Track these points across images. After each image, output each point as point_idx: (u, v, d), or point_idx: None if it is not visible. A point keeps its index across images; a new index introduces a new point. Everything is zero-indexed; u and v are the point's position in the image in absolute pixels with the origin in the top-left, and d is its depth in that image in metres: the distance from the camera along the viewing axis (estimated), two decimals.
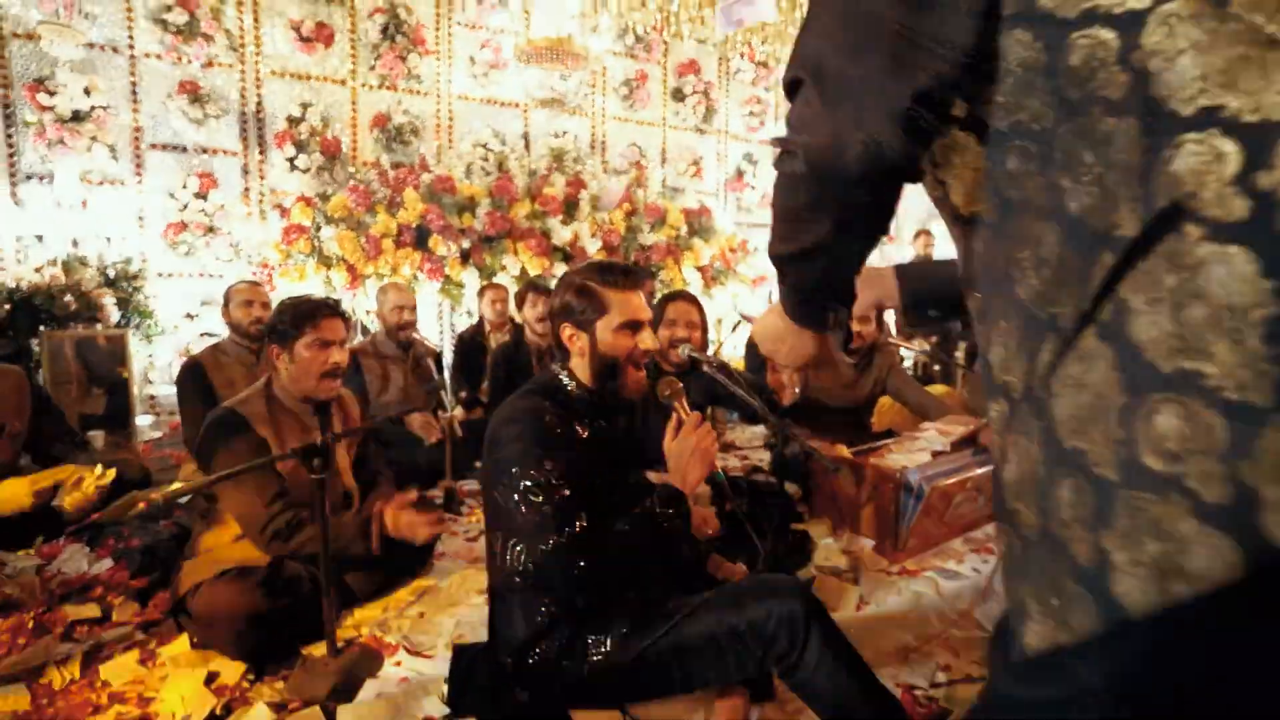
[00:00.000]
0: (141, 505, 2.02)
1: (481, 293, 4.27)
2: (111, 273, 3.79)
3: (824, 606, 1.25)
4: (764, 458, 3.31)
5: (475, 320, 4.25)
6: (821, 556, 2.09)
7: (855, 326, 2.87)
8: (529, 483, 1.24)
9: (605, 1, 4.94)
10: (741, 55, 6.39)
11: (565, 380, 1.40)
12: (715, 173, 6.51)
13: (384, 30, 4.90)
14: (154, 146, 4.43)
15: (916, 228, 7.17)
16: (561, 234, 4.94)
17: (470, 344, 4.09)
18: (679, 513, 1.32)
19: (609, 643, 1.30)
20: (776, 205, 0.71)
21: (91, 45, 4.20)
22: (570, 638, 1.32)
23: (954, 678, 1.79)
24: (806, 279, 0.75)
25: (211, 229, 4.48)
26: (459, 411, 3.09)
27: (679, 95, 6.23)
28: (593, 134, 5.84)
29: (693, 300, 2.38)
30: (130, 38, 4.31)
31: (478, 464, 3.29)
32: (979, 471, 2.30)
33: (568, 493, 1.25)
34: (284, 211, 4.46)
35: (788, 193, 0.68)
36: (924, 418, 2.85)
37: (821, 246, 0.69)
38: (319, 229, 4.34)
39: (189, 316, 4.49)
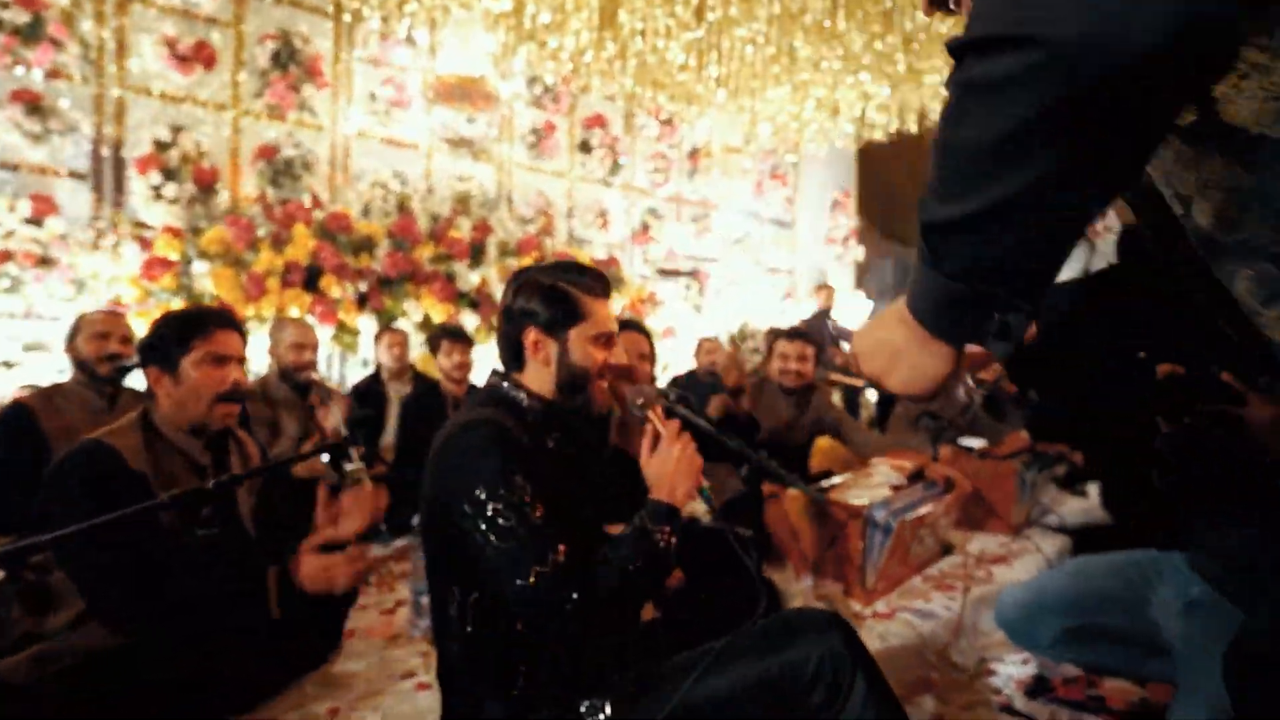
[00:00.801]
0: None
1: (379, 337, 3.87)
2: None
3: (858, 635, 1.07)
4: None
5: (372, 370, 3.84)
6: (795, 601, 1.92)
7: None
8: (498, 504, 1.02)
9: (516, 48, 4.89)
10: (647, 112, 6.54)
11: (512, 392, 1.20)
12: (621, 225, 6.51)
13: (275, 57, 4.53)
14: None
15: (817, 280, 7.52)
16: (469, 279, 4.66)
17: (367, 395, 3.66)
18: (674, 530, 1.10)
19: (609, 708, 1.06)
20: (952, 141, 0.50)
21: None
22: (556, 710, 1.06)
23: None
24: (982, 257, 0.52)
25: (45, 260, 3.79)
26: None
27: (585, 147, 6.23)
28: (499, 181, 5.67)
29: (642, 329, 2.22)
30: None
31: (383, 527, 2.88)
32: (934, 505, 2.25)
33: (542, 513, 1.04)
34: (145, 244, 3.88)
35: (982, 115, 0.47)
36: (864, 457, 2.82)
37: (1029, 197, 0.47)
38: (189, 264, 3.80)
39: (7, 365, 3.73)
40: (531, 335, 1.18)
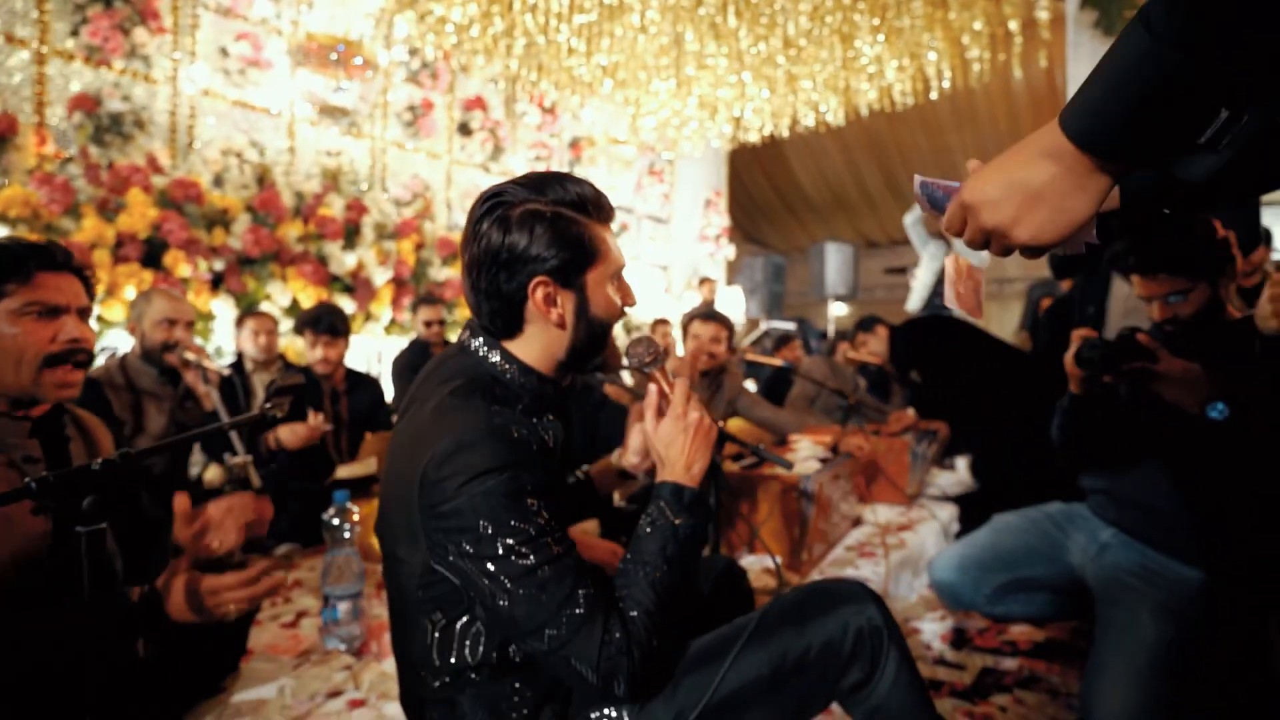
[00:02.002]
0: None
1: (241, 322, 3.39)
2: None
3: (891, 611, 1.05)
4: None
5: (232, 359, 3.35)
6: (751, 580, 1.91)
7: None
8: (511, 540, 0.81)
9: (396, 14, 4.52)
10: (530, 98, 6.34)
11: (500, 364, 0.93)
12: None
13: None
14: None
15: (691, 277, 7.70)
16: (343, 261, 4.24)
17: (228, 388, 3.19)
18: (700, 520, 0.94)
19: (624, 714, 0.92)
20: None
21: None
22: (562, 716, 0.93)
23: None
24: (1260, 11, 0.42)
25: None
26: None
27: (465, 130, 5.92)
28: (372, 158, 5.22)
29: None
30: None
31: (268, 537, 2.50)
32: (843, 469, 2.34)
33: (562, 538, 0.85)
34: None
35: None
36: (778, 435, 2.89)
37: None
38: None
39: None
40: (541, 290, 0.90)
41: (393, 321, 4.70)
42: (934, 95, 5.48)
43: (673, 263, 8.15)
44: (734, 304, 7.35)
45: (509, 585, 0.81)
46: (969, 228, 0.62)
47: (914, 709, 0.98)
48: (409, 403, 0.97)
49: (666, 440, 0.96)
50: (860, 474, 2.78)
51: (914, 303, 4.99)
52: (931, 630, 2.03)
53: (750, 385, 6.07)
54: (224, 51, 4.33)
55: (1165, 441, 1.51)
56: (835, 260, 7.73)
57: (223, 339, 3.74)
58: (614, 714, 0.92)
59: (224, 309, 3.70)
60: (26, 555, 1.08)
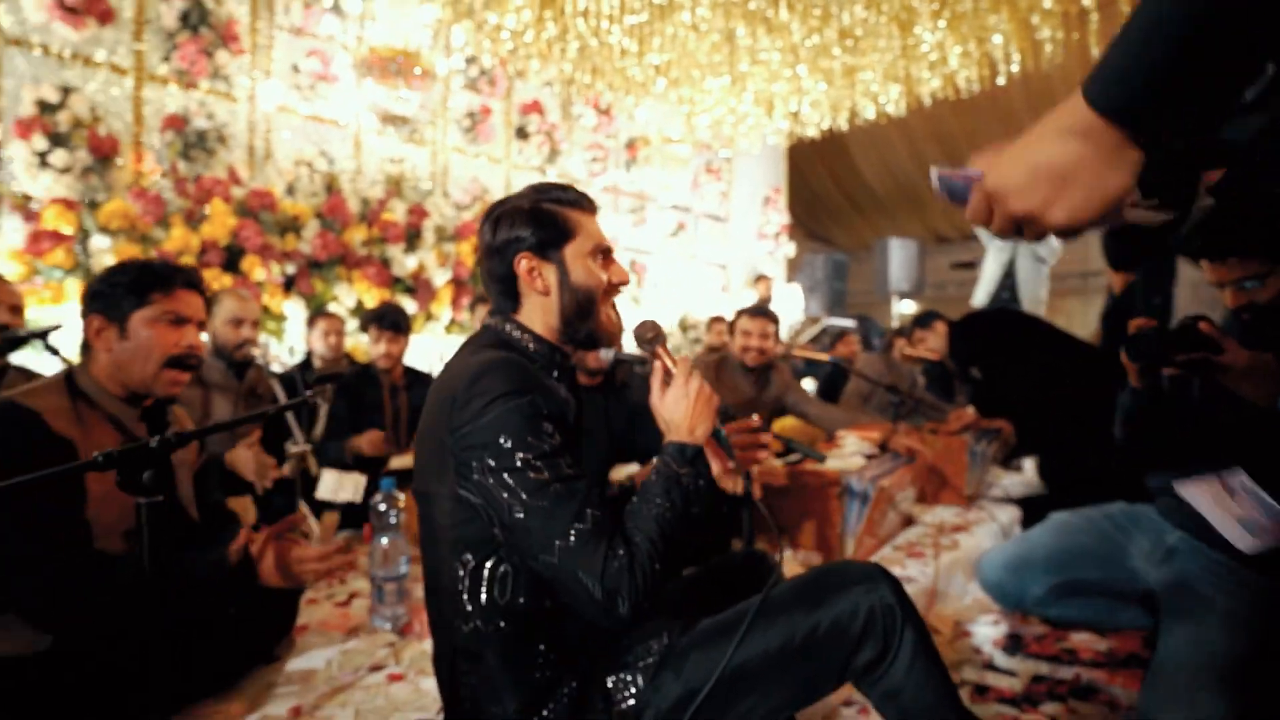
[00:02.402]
0: None
1: (312, 322, 3.59)
2: None
3: (907, 593, 1.02)
4: None
5: (302, 358, 3.55)
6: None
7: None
8: (528, 454, 0.89)
9: (453, 24, 4.68)
10: (585, 100, 6.43)
11: (515, 333, 1.07)
12: None
13: (184, 18, 4.13)
14: None
15: (750, 275, 7.63)
16: (404, 263, 4.42)
17: (294, 384, 3.38)
18: (702, 473, 0.99)
19: (639, 680, 0.96)
20: None
21: None
22: (582, 685, 0.96)
23: None
24: None
25: None
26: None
27: (523, 134, 6.06)
28: (433, 165, 5.42)
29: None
30: None
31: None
32: (902, 473, 2.27)
33: (574, 463, 0.93)
34: (32, 216, 3.45)
35: None
36: (828, 432, 2.83)
37: None
38: (85, 239, 3.40)
39: None
40: (524, 262, 1.05)
41: (452, 321, 4.86)
42: (1002, 80, 5.22)
43: (731, 261, 8.09)
44: (791, 301, 7.23)
45: (524, 497, 0.88)
46: (997, 217, 0.58)
47: (932, 693, 0.96)
48: (442, 371, 1.07)
49: (671, 406, 1.04)
50: (915, 473, 2.69)
51: (980, 297, 4.77)
52: (984, 634, 1.94)
53: (809, 383, 5.96)
54: (295, 68, 4.59)
55: (1236, 438, 1.40)
56: (899, 256, 7.49)
57: (294, 338, 3.97)
58: (630, 677, 0.96)
59: (295, 310, 3.93)
60: (126, 524, 1.21)
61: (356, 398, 3.00)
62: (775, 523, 2.03)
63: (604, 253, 1.09)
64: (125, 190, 3.72)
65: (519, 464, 0.89)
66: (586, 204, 1.10)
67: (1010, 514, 2.77)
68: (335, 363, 3.50)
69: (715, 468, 1.10)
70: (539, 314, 1.07)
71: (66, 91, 3.79)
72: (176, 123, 4.07)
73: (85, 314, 1.27)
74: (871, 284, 7.94)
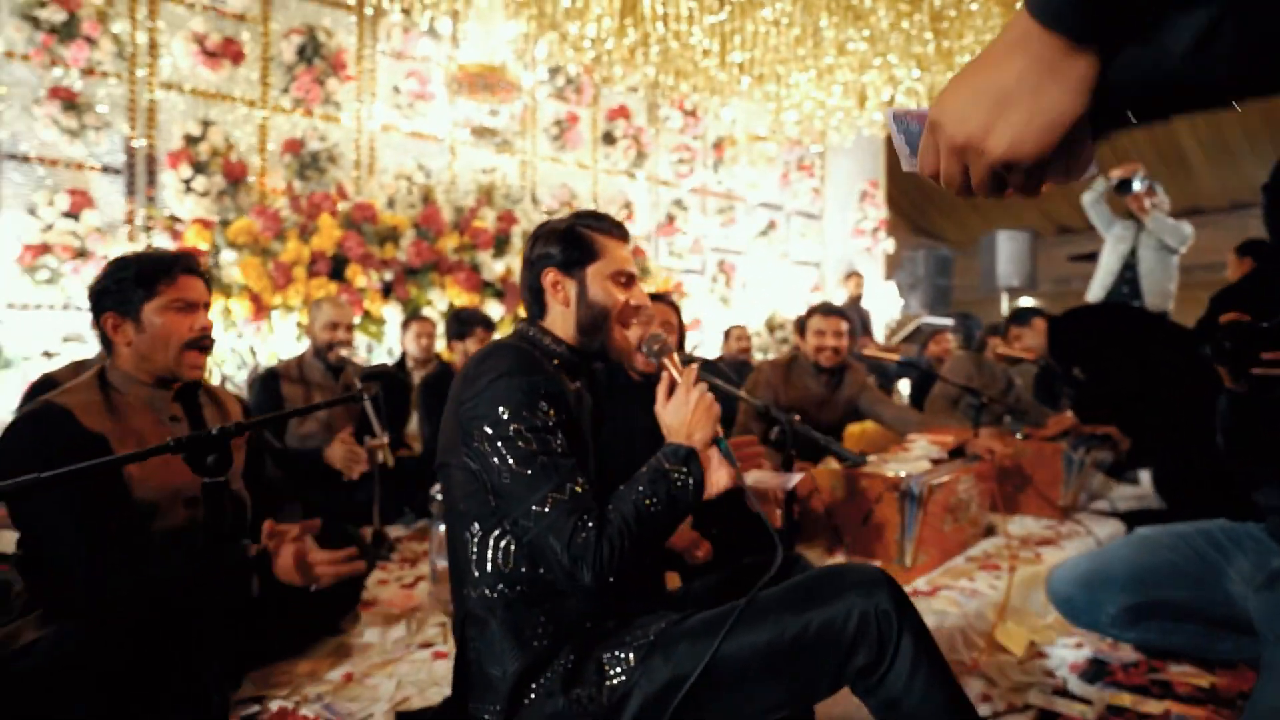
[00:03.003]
0: None
1: (406, 325, 3.87)
2: None
3: (911, 603, 0.98)
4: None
5: (397, 359, 3.83)
6: None
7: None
8: (520, 425, 0.99)
9: (538, 37, 4.86)
10: (671, 102, 6.47)
11: (537, 336, 1.17)
12: (646, 217, 6.45)
13: (300, 52, 4.57)
14: (13, 157, 3.83)
15: (845, 270, 7.37)
16: (493, 268, 4.65)
17: (393, 383, 3.65)
18: (693, 473, 1.03)
19: (630, 658, 0.99)
20: None
21: None
22: (578, 658, 1.00)
23: (999, 709, 1.54)
24: None
25: (83, 253, 3.87)
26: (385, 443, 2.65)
27: (609, 139, 6.19)
28: (523, 173, 5.65)
29: (669, 302, 2.15)
30: None
31: (408, 509, 2.85)
32: (967, 478, 2.13)
33: (563, 444, 1.01)
34: (176, 235, 3.94)
35: None
36: (902, 435, 2.70)
37: None
38: (217, 253, 3.84)
39: (47, 355, 3.80)
40: (550, 276, 1.17)
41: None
42: None
43: (825, 259, 7.85)
44: (884, 300, 6.91)
45: (512, 464, 0.97)
46: (941, 157, 0.50)
47: (936, 706, 0.91)
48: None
49: (672, 412, 1.10)
50: (1000, 480, 2.50)
51: (1095, 291, 4.34)
52: (1061, 657, 1.79)
53: (902, 385, 5.68)
54: (396, 89, 4.95)
55: None
56: (1008, 249, 6.97)
57: (392, 341, 4.28)
58: (623, 655, 0.99)
59: (393, 314, 4.23)
60: (187, 493, 1.36)
61: (441, 391, 3.21)
62: (829, 525, 1.96)
63: (626, 277, 1.18)
64: (250, 209, 4.16)
65: (511, 433, 0.98)
66: (619, 232, 1.20)
67: (1112, 529, 2.52)
68: (425, 363, 3.75)
69: (724, 478, 1.10)
70: (560, 321, 1.17)
71: (206, 125, 4.30)
72: (294, 146, 4.51)
73: (98, 313, 1.34)
74: (979, 280, 7.43)
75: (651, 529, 0.98)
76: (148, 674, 1.13)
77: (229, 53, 4.36)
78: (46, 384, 2.08)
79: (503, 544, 1.02)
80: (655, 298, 2.18)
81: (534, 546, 0.97)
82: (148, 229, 4.08)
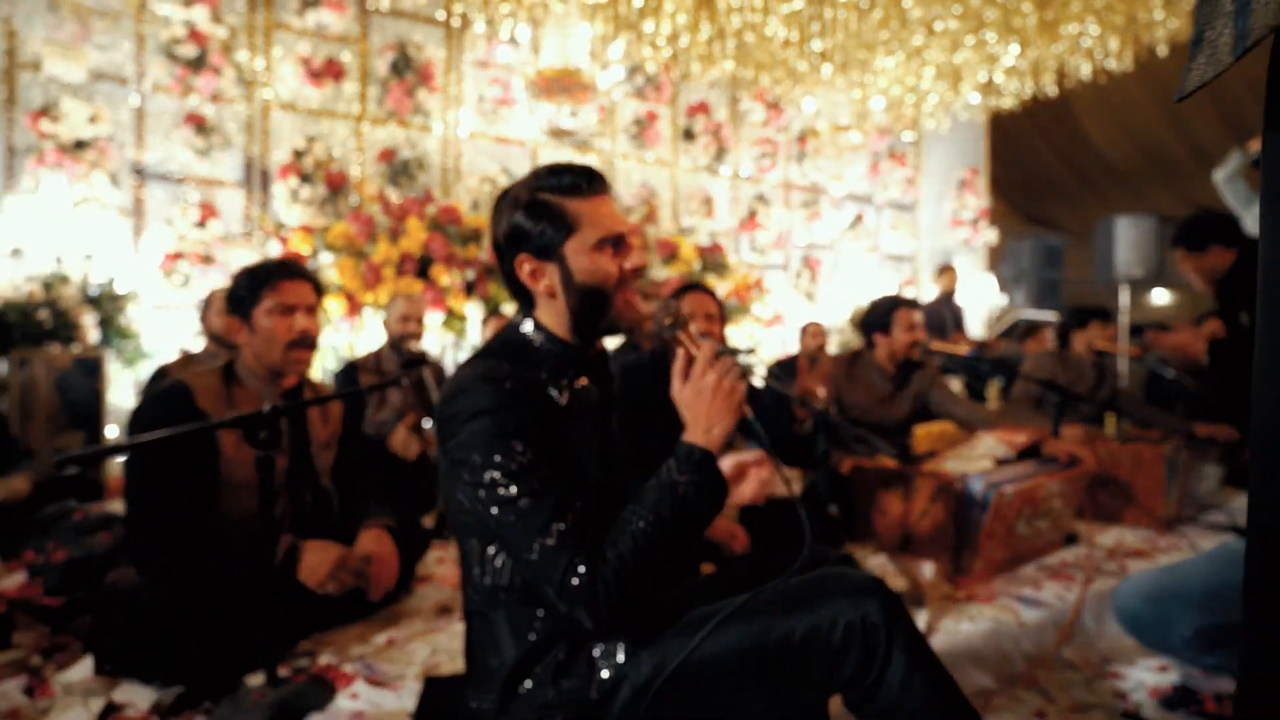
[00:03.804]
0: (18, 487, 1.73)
1: (486, 322, 4.08)
2: (94, 290, 3.59)
3: (907, 609, 0.93)
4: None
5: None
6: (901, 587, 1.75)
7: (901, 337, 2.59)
8: (495, 473, 0.91)
9: (613, 37, 4.94)
10: (751, 96, 6.38)
11: (530, 333, 1.03)
12: (727, 213, 6.40)
13: (393, 66, 4.89)
14: (156, 177, 4.35)
15: (940, 263, 6.98)
16: None
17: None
18: (707, 480, 0.93)
19: (620, 654, 0.98)
20: None
21: (100, 76, 4.18)
22: (570, 652, 1.00)
23: None
24: None
25: (208, 259, 4.33)
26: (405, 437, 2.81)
27: (689, 135, 6.19)
28: (602, 172, 5.76)
29: (709, 292, 2.13)
30: (140, 69, 4.30)
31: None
32: (1045, 480, 1.97)
33: (547, 477, 0.93)
34: (283, 241, 4.33)
35: None
36: (973, 432, 2.54)
37: None
38: (316, 256, 4.19)
39: (182, 350, 4.29)
40: (525, 265, 1.00)
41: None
42: None
43: (919, 252, 7.48)
44: (982, 293, 6.48)
45: (495, 511, 0.92)
46: None
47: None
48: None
49: (689, 399, 0.97)
50: (1090, 485, 2.30)
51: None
52: (1139, 679, 1.64)
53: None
54: (481, 97, 5.19)
55: None
56: (1129, 236, 6.32)
57: (474, 336, 4.49)
58: (612, 649, 0.98)
59: (474, 312, 4.45)
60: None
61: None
62: (882, 524, 1.88)
63: (615, 240, 1.01)
64: (348, 215, 4.50)
65: (487, 480, 0.91)
66: (590, 187, 1.00)
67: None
68: None
69: (750, 489, 1.05)
70: (551, 314, 1.03)
71: (311, 140, 4.69)
72: (387, 155, 4.83)
73: (230, 315, 1.57)
74: (1095, 271, 6.80)
75: (659, 553, 0.90)
76: (213, 624, 1.27)
77: (331, 72, 4.74)
78: (160, 374, 2.36)
79: (500, 556, 1.00)
80: (690, 287, 2.14)
81: (532, 589, 0.93)
82: (261, 236, 4.51)
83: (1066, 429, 2.44)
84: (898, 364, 2.67)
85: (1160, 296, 6.47)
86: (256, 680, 1.20)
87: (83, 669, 1.27)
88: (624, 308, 1.03)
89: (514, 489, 0.91)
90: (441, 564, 2.09)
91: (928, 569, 1.85)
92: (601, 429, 1.08)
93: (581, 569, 0.87)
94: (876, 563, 1.86)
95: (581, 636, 1.01)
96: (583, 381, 1.06)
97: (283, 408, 1.26)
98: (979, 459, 1.96)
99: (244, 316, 1.53)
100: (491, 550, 1.01)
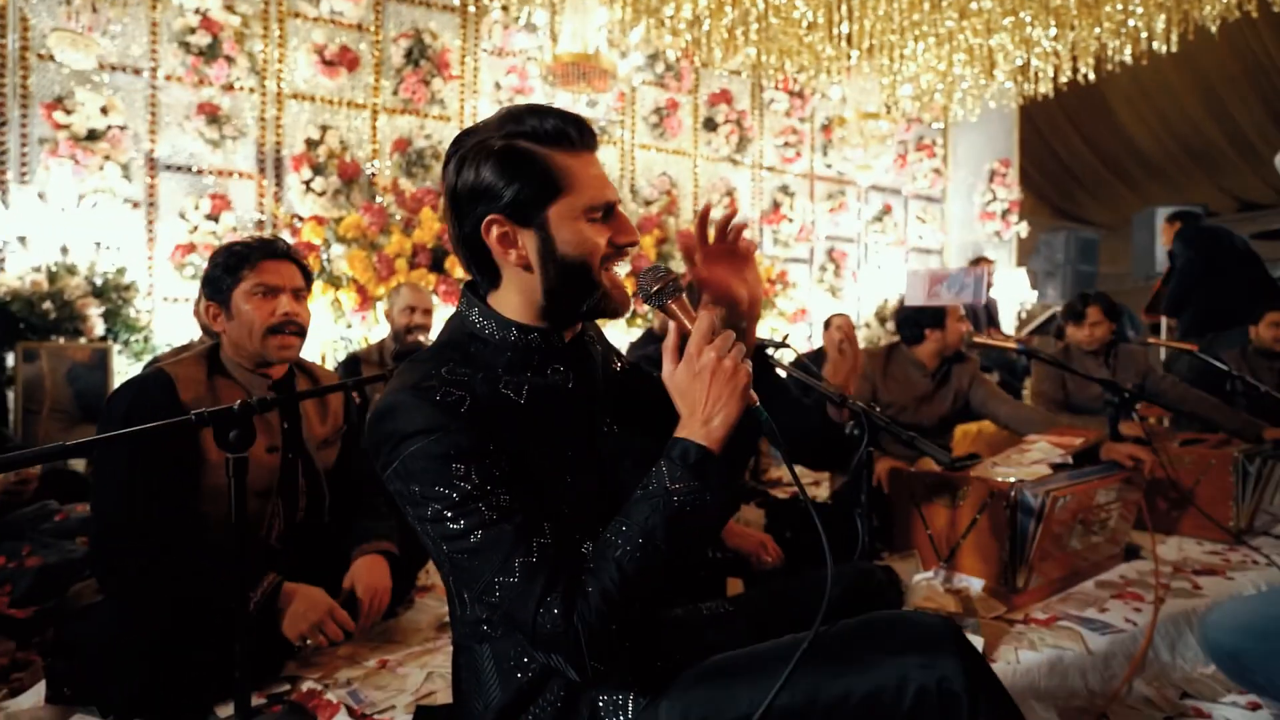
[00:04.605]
0: None
1: None
2: (99, 281, 3.51)
3: (988, 664, 0.76)
4: (822, 493, 2.81)
5: None
6: (920, 597, 1.58)
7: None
8: (438, 505, 0.75)
9: (633, 22, 4.77)
10: (776, 86, 6.18)
11: (479, 323, 0.86)
12: (750, 205, 6.21)
13: (408, 54, 4.78)
14: (169, 168, 4.28)
15: (971, 256, 6.74)
16: None
17: None
18: (708, 486, 0.75)
19: (630, 705, 0.81)
20: None
21: (114, 68, 4.12)
22: (568, 698, 0.84)
23: None
24: None
25: None
26: None
27: (711, 125, 6.01)
28: (621, 162, 5.61)
29: None
30: (154, 59, 4.23)
31: None
32: (1104, 487, 1.79)
33: (505, 499, 0.76)
34: (295, 232, 4.23)
35: None
36: (1019, 434, 2.36)
37: None
38: (328, 247, 4.09)
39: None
40: (494, 230, 0.81)
41: (634, 313, 4.98)
42: None
43: (947, 245, 7.23)
44: (1016, 288, 6.24)
45: (445, 548, 0.77)
46: None
47: None
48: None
49: (682, 387, 0.79)
50: (1133, 491, 2.11)
51: None
52: (1224, 717, 1.45)
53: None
54: (497, 85, 5.06)
55: None
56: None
57: None
58: (620, 700, 0.82)
59: None
60: (260, 484, 1.38)
61: None
62: (924, 535, 1.72)
63: (604, 209, 0.84)
64: (361, 206, 4.40)
65: (430, 514, 0.76)
66: (579, 139, 0.83)
67: None
68: None
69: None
70: (517, 292, 0.85)
71: (324, 129, 4.60)
72: (402, 145, 4.72)
73: (203, 301, 1.41)
74: (1132, 265, 6.51)
75: (653, 582, 0.74)
76: (180, 650, 1.14)
77: (345, 60, 4.63)
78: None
79: (464, 599, 0.86)
80: None
81: (511, 630, 0.78)
82: (274, 227, 4.42)
83: (1126, 429, 2.24)
84: (940, 359, 2.49)
85: None
86: (226, 712, 1.07)
87: (34, 695, 1.15)
88: (612, 287, 0.86)
89: (463, 522, 0.75)
90: None
91: (976, 585, 1.67)
92: (590, 425, 0.90)
93: (556, 610, 0.72)
94: (922, 579, 1.69)
95: (579, 686, 0.86)
96: (549, 373, 0.87)
97: (258, 403, 1.12)
98: (1032, 465, 1.78)
99: (222, 302, 1.38)
100: (460, 590, 0.86)
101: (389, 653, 1.41)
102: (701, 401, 0.78)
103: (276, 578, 1.24)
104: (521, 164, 0.80)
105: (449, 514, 0.75)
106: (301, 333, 1.43)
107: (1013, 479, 1.67)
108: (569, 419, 0.87)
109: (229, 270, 1.36)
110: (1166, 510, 2.29)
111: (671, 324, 0.84)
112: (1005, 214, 7.24)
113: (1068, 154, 10.05)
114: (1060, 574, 1.75)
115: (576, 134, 0.83)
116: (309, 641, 1.21)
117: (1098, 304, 2.84)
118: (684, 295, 0.84)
